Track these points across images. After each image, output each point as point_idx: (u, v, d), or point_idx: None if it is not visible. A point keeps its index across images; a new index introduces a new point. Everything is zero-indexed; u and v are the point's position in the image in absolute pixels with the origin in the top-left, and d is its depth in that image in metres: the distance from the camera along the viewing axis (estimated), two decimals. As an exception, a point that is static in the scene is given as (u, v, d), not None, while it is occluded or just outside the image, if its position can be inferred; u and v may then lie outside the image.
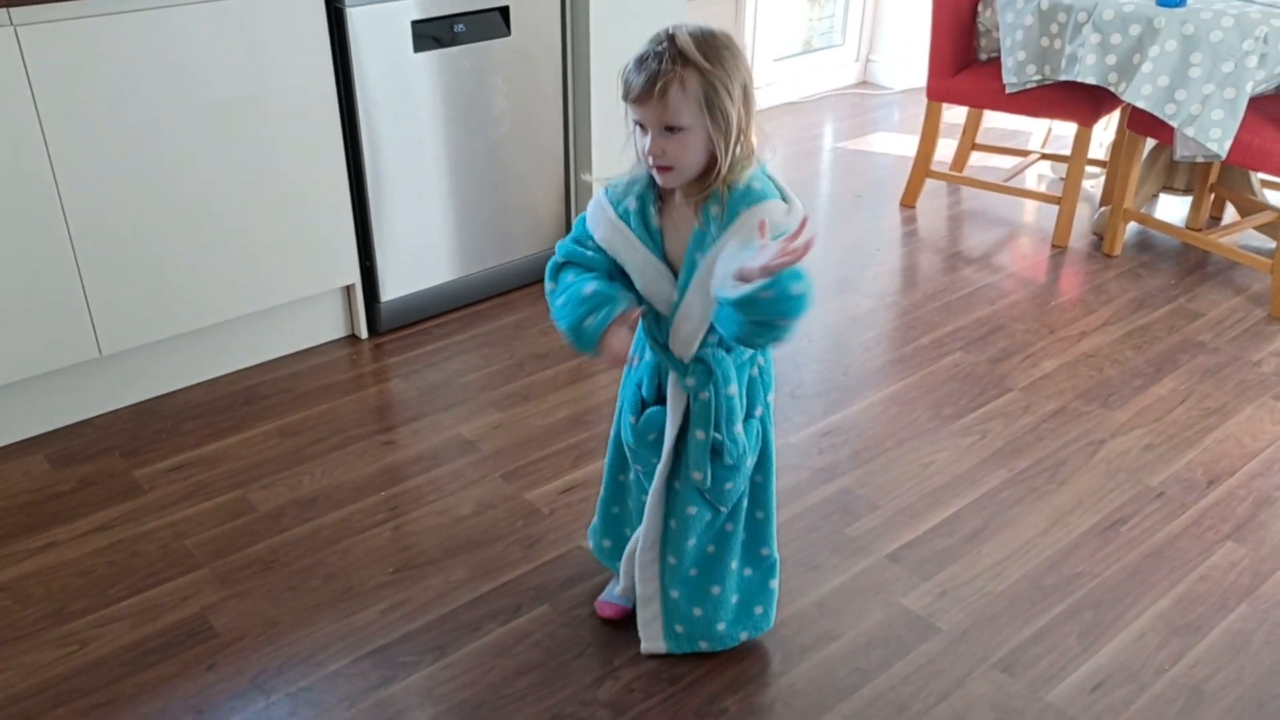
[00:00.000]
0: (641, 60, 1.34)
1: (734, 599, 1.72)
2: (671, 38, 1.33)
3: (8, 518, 2.09)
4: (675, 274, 1.48)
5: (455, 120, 2.64)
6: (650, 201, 1.47)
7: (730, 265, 1.34)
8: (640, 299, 1.51)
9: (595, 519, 1.86)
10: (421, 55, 2.52)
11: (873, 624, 1.85)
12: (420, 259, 2.73)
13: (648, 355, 1.60)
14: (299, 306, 2.62)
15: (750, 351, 1.56)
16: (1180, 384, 2.56)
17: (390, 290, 2.70)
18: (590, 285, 1.47)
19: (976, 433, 2.37)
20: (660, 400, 1.60)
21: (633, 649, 1.78)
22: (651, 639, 1.74)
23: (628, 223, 1.47)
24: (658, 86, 1.32)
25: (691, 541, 1.65)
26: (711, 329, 1.47)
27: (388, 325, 2.75)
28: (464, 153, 2.69)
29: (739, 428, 1.56)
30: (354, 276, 2.63)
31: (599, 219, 1.51)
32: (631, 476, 1.75)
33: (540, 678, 1.73)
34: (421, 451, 2.30)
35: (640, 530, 1.68)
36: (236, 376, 2.56)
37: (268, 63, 2.30)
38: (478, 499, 2.15)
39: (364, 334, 2.72)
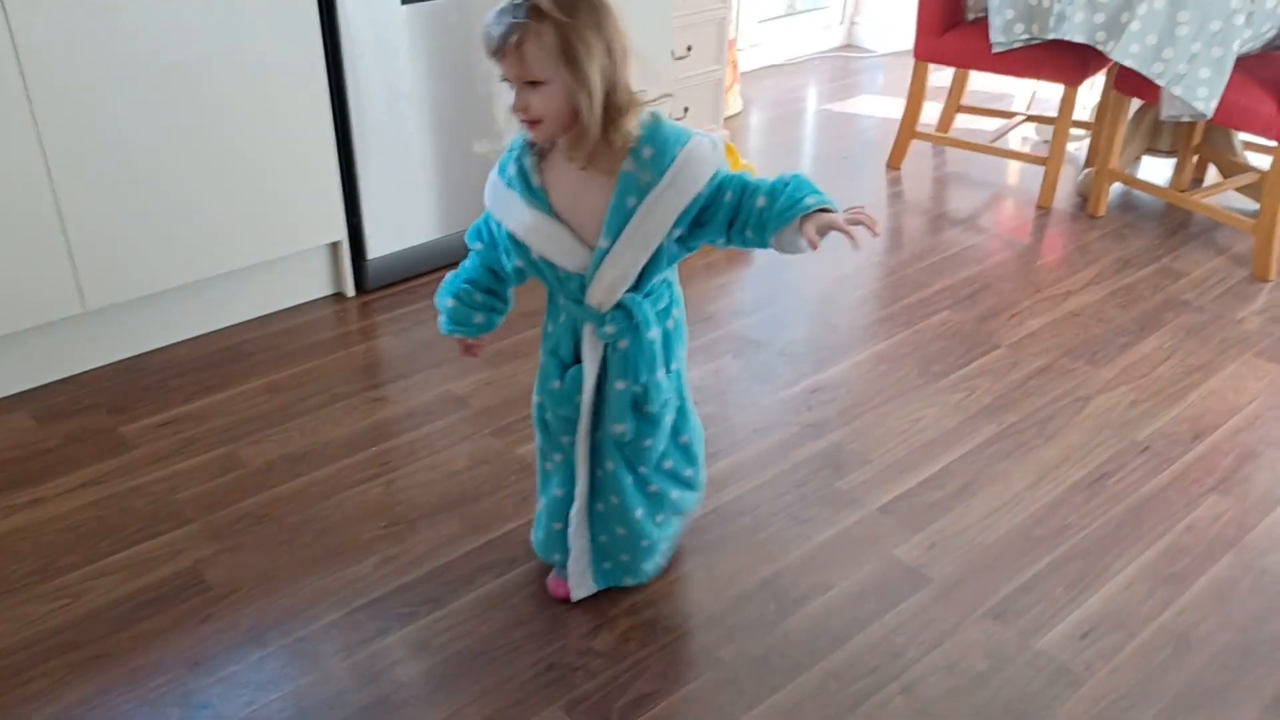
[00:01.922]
0: (500, 13, 1.34)
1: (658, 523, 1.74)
2: None
3: (-7, 474, 2.07)
4: (570, 229, 1.47)
5: (442, 75, 2.61)
6: (527, 161, 1.47)
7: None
8: (533, 269, 1.53)
9: (539, 507, 1.80)
10: (408, 8, 2.49)
11: (865, 575, 1.86)
12: (408, 216, 2.71)
13: (561, 317, 1.59)
14: (286, 263, 2.59)
15: (665, 301, 1.56)
16: (1165, 342, 2.58)
17: (377, 247, 2.68)
18: (451, 300, 1.61)
19: (965, 389, 2.38)
20: (579, 360, 1.59)
21: (628, 600, 1.79)
22: (582, 586, 1.74)
23: (514, 189, 1.48)
24: (511, 39, 1.31)
25: (614, 500, 1.66)
26: (643, 274, 1.48)
27: (375, 283, 2.73)
28: (451, 108, 2.66)
29: (661, 374, 1.57)
30: (340, 233, 2.61)
31: (491, 195, 1.52)
32: (558, 457, 1.72)
33: (536, 628, 1.74)
34: (412, 408, 2.29)
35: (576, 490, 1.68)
36: (224, 333, 2.53)
37: (253, 14, 2.26)
38: (469, 454, 2.14)
39: (351, 291, 2.70)
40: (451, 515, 1.98)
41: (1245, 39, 2.72)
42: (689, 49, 3.30)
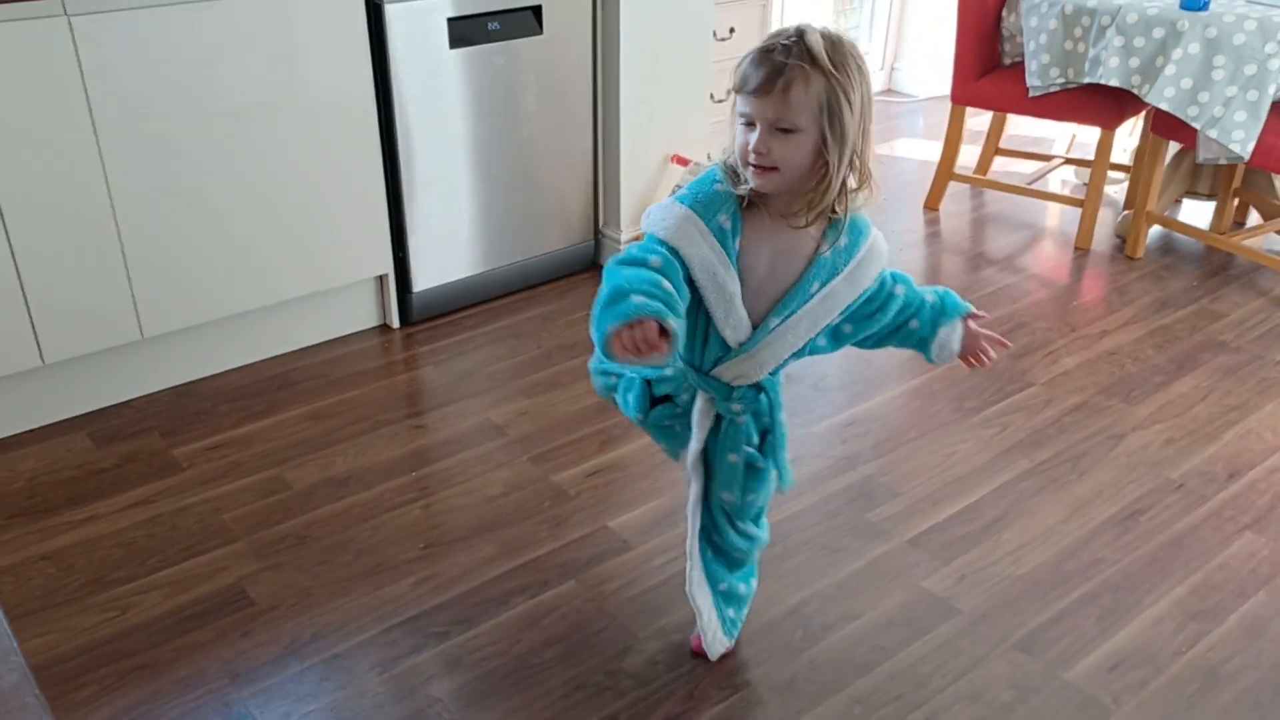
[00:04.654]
0: (765, 52, 1.27)
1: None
2: (801, 34, 1.26)
3: (51, 492, 2.15)
4: (743, 296, 1.39)
5: (487, 117, 2.70)
6: (738, 219, 1.36)
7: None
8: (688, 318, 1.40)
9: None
10: (456, 52, 2.59)
11: (893, 605, 1.88)
12: (451, 251, 2.79)
13: (670, 371, 1.53)
14: (333, 295, 2.68)
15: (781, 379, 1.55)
16: (1201, 381, 2.57)
17: (422, 281, 2.76)
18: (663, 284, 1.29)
19: (998, 425, 2.40)
20: (664, 399, 1.57)
21: (657, 623, 1.82)
22: (716, 645, 1.73)
23: (724, 243, 1.35)
24: (780, 81, 1.25)
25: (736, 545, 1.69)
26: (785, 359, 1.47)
27: (419, 315, 2.81)
28: (495, 149, 2.75)
29: (787, 454, 1.57)
30: (387, 267, 2.69)
31: (689, 235, 1.34)
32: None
33: (566, 649, 1.77)
34: (451, 435, 2.35)
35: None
36: (272, 362, 2.62)
37: (309, 57, 2.36)
38: (506, 480, 2.20)
39: (396, 323, 2.78)
40: (486, 539, 2.03)
41: (1281, 82, 2.73)
42: (728, 93, 3.37)
